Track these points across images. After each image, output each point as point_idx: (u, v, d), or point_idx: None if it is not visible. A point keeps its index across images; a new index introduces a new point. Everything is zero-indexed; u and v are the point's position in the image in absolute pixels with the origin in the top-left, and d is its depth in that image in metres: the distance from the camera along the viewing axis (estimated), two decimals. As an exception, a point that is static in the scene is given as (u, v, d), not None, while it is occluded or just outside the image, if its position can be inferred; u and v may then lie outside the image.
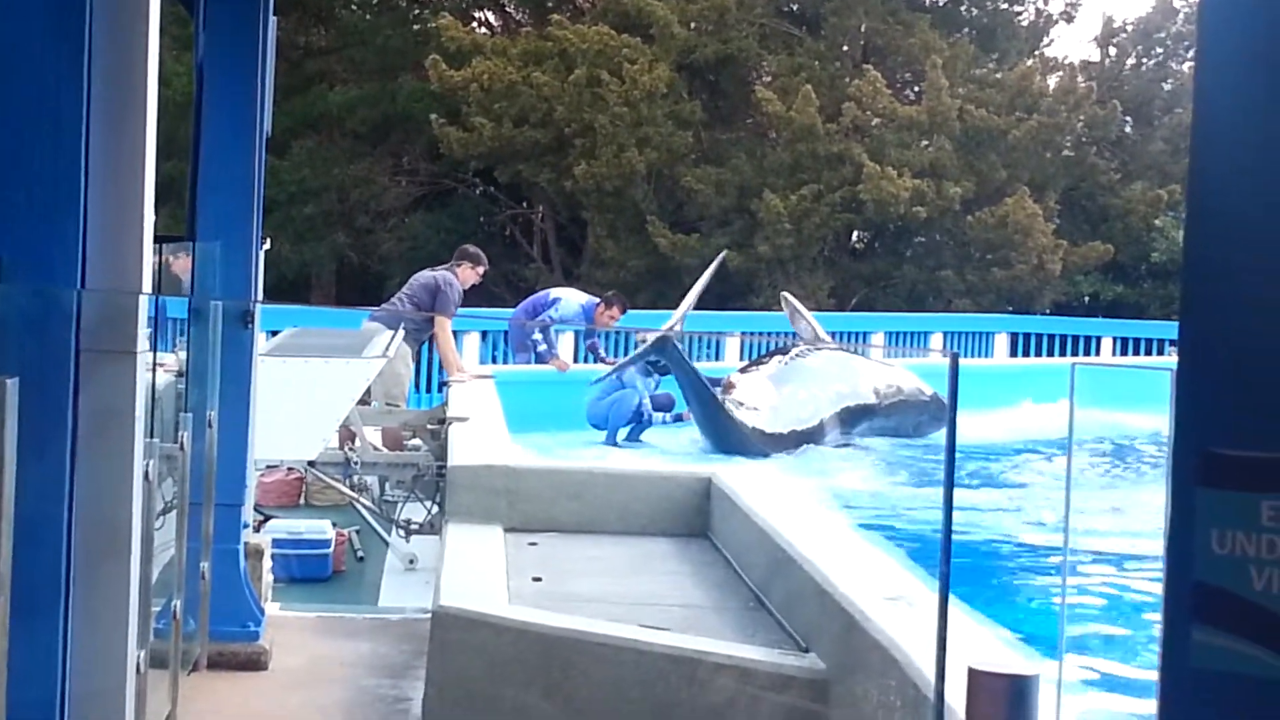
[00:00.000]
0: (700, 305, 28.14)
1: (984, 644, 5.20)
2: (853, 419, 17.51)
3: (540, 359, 17.20)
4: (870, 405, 17.82)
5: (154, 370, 5.50)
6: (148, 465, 5.12)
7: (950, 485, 3.70)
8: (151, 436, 5.29)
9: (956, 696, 3.45)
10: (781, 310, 19.91)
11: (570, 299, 17.31)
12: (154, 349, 5.38)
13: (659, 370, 16.82)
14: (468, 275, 14.09)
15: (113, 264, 4.85)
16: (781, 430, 16.36)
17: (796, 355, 18.06)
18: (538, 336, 17.25)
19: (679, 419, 16.89)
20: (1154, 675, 2.36)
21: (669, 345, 16.24)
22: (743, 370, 17.92)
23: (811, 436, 16.76)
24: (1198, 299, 2.32)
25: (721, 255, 20.84)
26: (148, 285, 5.06)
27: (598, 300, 17.25)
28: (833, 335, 21.30)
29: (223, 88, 7.56)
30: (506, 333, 19.24)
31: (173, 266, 7.27)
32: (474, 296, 15.71)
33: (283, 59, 14.34)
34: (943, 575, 3.59)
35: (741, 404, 16.45)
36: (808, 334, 18.89)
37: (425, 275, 14.20)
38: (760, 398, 16.44)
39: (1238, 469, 2.22)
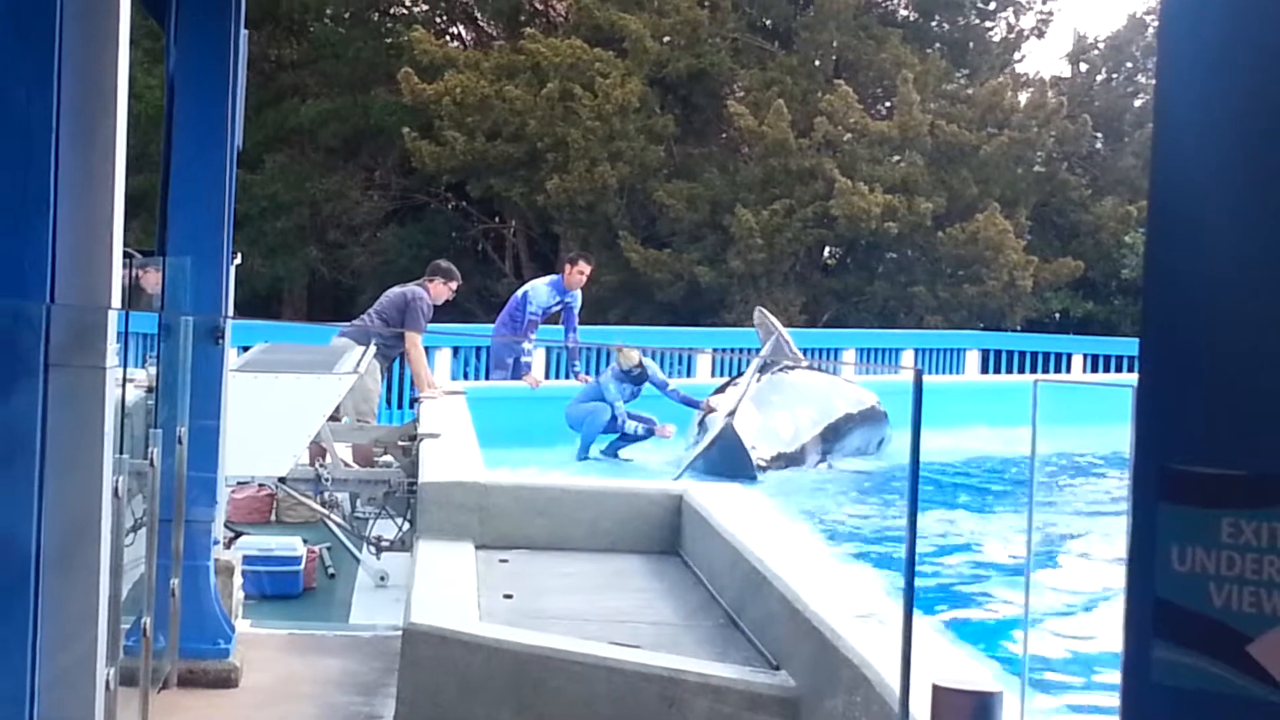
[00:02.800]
0: (671, 321, 28.26)
1: (953, 661, 5.22)
2: (829, 438, 17.49)
3: (516, 375, 17.12)
4: (842, 423, 17.80)
5: (124, 386, 5.49)
6: (117, 481, 5.11)
7: (914, 502, 3.71)
8: (121, 453, 5.28)
9: (924, 713, 3.46)
10: (753, 325, 19.88)
11: (537, 285, 17.07)
12: (124, 364, 5.37)
13: (633, 381, 16.71)
14: (440, 291, 14.08)
15: (82, 278, 4.84)
16: (767, 452, 16.29)
17: (776, 373, 18.03)
18: (527, 345, 17.17)
19: (650, 433, 16.82)
20: (1116, 693, 2.37)
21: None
22: (720, 390, 17.85)
23: (795, 458, 16.69)
24: (1158, 315, 2.34)
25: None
26: (117, 300, 5.06)
27: (558, 273, 17.07)
28: (805, 352, 21.25)
29: (194, 101, 7.55)
30: (487, 349, 19.14)
31: (143, 281, 7.27)
32: (446, 312, 15.69)
33: (254, 72, 14.35)
34: (907, 592, 3.61)
35: (707, 427, 16.41)
36: (771, 349, 18.82)
37: (396, 291, 14.19)
38: (746, 419, 16.37)
39: (1198, 485, 2.24)
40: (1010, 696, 3.34)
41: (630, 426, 16.54)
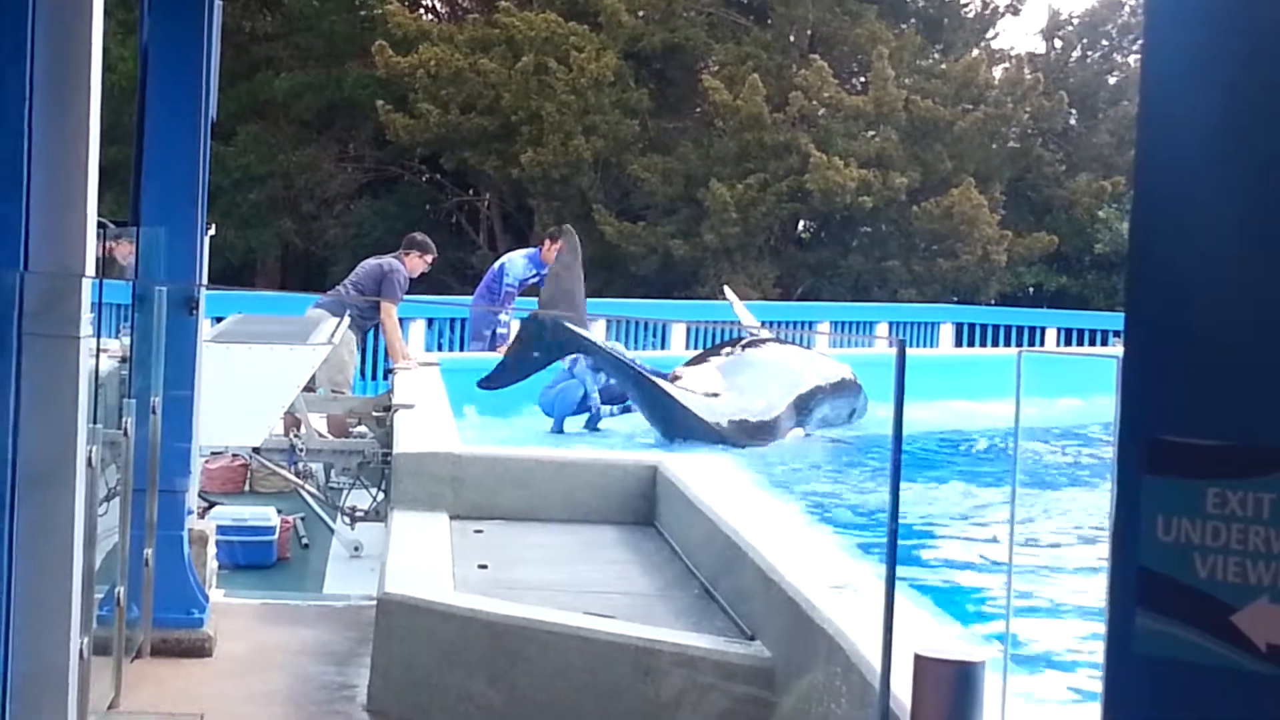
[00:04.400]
0: (645, 294, 28.24)
1: (932, 632, 5.23)
2: (803, 409, 17.46)
3: (493, 347, 17.06)
4: (815, 395, 17.78)
5: (97, 355, 5.47)
6: (91, 451, 5.10)
7: (897, 473, 3.71)
8: (95, 422, 5.27)
9: (903, 683, 3.46)
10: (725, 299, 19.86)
11: (514, 257, 16.99)
12: (97, 334, 5.35)
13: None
14: (415, 264, 14.06)
15: (56, 248, 4.82)
16: (737, 421, 16.27)
17: (746, 346, 18.01)
18: (505, 317, 17.10)
19: (627, 410, 16.77)
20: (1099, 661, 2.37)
21: (567, 335, 15.87)
22: (691, 363, 17.84)
23: (768, 428, 16.67)
24: (1144, 288, 2.33)
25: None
26: (91, 269, 5.03)
27: (535, 246, 16.99)
28: (780, 325, 21.20)
29: (168, 72, 7.51)
30: (462, 320, 19.08)
31: (115, 252, 7.23)
32: (421, 285, 15.65)
33: (228, 44, 14.26)
34: (889, 563, 3.61)
35: (692, 393, 16.38)
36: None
37: (372, 263, 14.17)
38: (713, 388, 16.35)
39: (1183, 456, 2.24)
40: (992, 666, 3.34)
41: (605, 410, 16.50)
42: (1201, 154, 2.28)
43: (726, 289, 20.29)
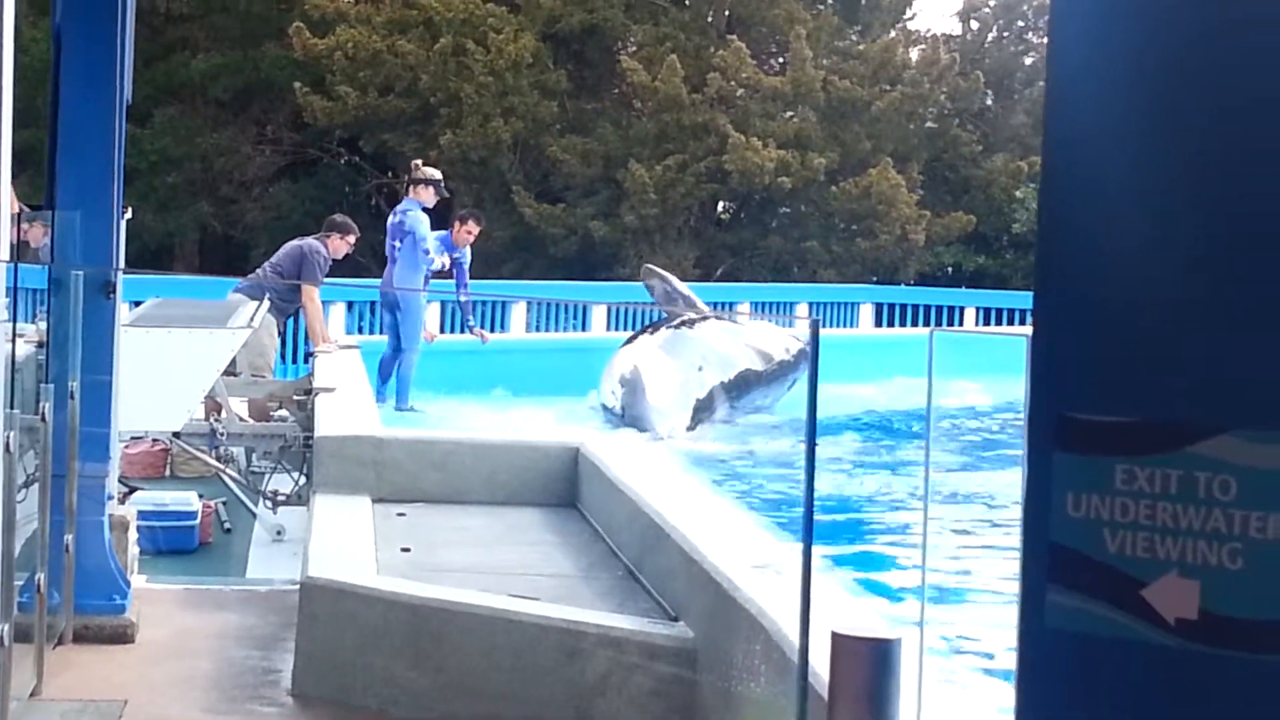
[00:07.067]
0: (565, 276, 28.23)
1: (850, 610, 5.28)
2: (738, 390, 17.45)
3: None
4: (753, 375, 17.75)
5: (14, 340, 5.44)
6: (8, 437, 5.07)
7: (812, 453, 3.75)
8: (12, 407, 5.24)
9: (821, 661, 3.50)
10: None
11: (420, 218, 15.62)
12: (13, 318, 5.32)
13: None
14: (338, 245, 13.98)
15: (-29, 234, 4.79)
16: (676, 406, 16.28)
17: (680, 325, 17.99)
18: (463, 298, 16.91)
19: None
20: (1013, 637, 2.42)
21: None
22: (630, 342, 17.83)
23: (703, 411, 16.67)
24: (1052, 265, 2.38)
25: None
26: (5, 254, 5.01)
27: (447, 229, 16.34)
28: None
29: (81, 54, 7.45)
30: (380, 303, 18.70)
31: (28, 236, 7.18)
32: (340, 267, 15.56)
33: (143, 25, 14.13)
34: (805, 542, 3.65)
35: (630, 381, 16.38)
36: (664, 298, 18.81)
37: (293, 245, 14.09)
38: (654, 372, 16.35)
39: (1092, 433, 2.28)
40: (909, 644, 3.38)
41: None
42: (1108, 132, 2.31)
43: (649, 268, 20.25)
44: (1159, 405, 2.24)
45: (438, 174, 15.97)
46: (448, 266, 16.14)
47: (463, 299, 17.12)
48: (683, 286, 19.87)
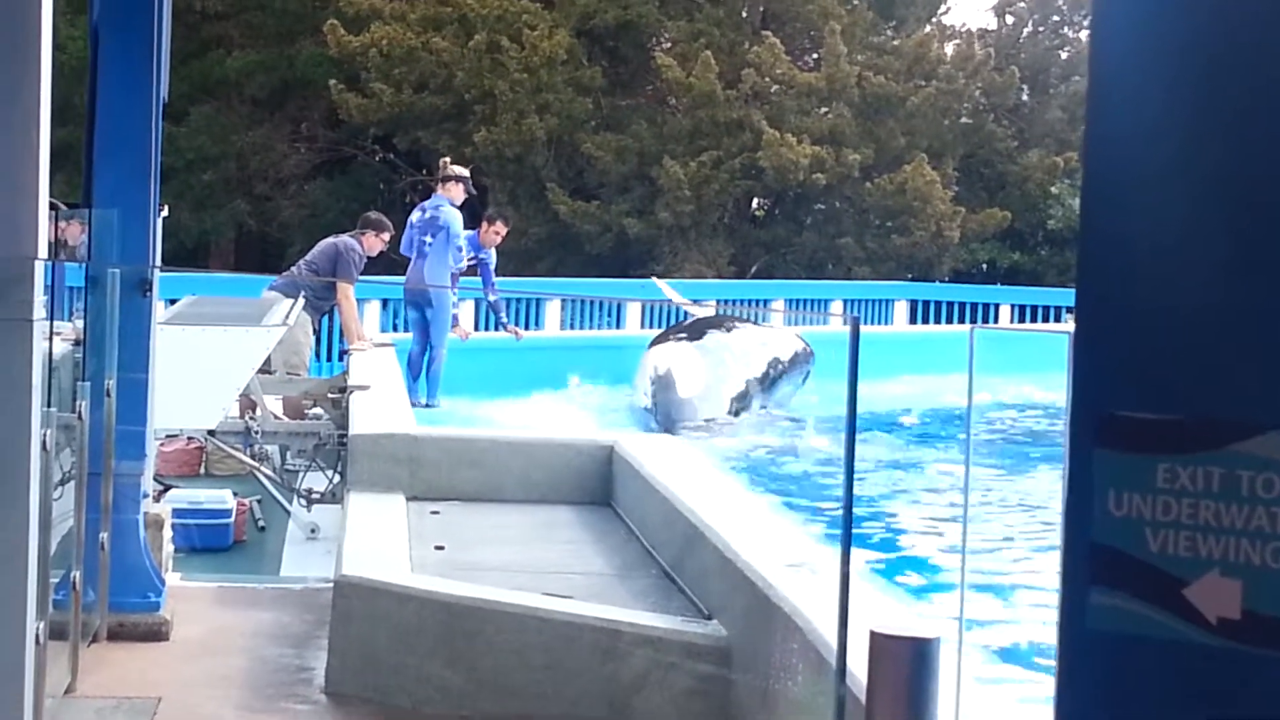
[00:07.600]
0: (600, 273, 28.23)
1: (889, 610, 5.25)
2: (768, 386, 17.44)
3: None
4: (779, 372, 17.76)
5: (51, 338, 5.44)
6: (45, 435, 5.07)
7: (851, 450, 3.73)
8: (49, 406, 5.24)
9: (859, 661, 3.48)
10: (683, 277, 19.88)
11: (453, 214, 15.26)
12: (50, 317, 5.32)
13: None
14: (373, 243, 13.99)
15: (8, 230, 4.80)
16: (711, 396, 16.26)
17: (701, 324, 18.01)
18: (492, 297, 16.92)
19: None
20: (1054, 638, 2.39)
21: None
22: (659, 341, 17.82)
23: (740, 400, 16.64)
24: (1095, 263, 2.35)
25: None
26: (44, 252, 5.01)
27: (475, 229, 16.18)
28: (734, 303, 21.23)
29: (118, 52, 7.47)
30: None
31: (66, 234, 7.19)
32: (376, 265, 15.55)
33: (179, 23, 14.17)
34: (844, 540, 3.62)
35: (663, 378, 16.35)
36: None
37: (328, 242, 14.10)
38: (685, 370, 16.33)
39: (1134, 431, 2.25)
40: (948, 643, 3.36)
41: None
42: (1151, 128, 2.29)
43: (655, 281, 20.35)
44: (1202, 403, 2.21)
45: (465, 171, 15.95)
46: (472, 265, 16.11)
47: (492, 298, 17.09)
48: (684, 301, 19.94)
